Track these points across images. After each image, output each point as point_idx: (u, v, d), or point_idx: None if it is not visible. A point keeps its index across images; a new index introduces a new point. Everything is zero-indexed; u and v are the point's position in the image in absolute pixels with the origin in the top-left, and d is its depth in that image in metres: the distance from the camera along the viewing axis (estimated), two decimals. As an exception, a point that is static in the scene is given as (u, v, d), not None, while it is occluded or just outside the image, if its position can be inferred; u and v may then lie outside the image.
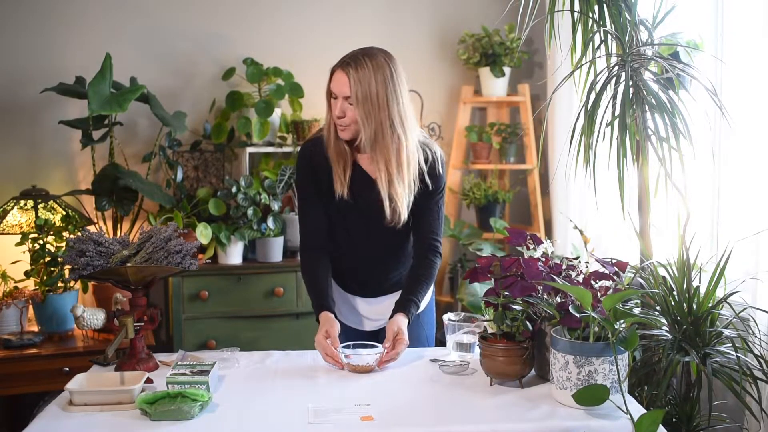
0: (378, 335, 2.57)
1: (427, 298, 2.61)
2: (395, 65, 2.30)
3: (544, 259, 2.12)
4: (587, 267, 2.11)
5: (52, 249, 3.18)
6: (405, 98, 2.31)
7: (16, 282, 3.26)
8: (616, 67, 2.52)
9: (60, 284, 3.20)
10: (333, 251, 2.51)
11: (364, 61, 2.25)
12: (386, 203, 2.33)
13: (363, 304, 2.57)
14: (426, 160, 2.38)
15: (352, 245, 2.49)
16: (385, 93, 2.25)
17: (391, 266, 2.53)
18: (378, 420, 1.84)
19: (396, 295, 2.46)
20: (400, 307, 2.36)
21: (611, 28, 2.57)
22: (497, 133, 4.07)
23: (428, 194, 2.40)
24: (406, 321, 2.33)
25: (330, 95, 2.32)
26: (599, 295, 1.96)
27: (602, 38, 2.60)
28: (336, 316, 2.36)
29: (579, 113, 2.55)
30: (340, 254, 2.52)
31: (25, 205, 3.36)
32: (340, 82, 2.27)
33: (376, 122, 2.26)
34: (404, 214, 2.34)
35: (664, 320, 2.39)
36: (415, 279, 2.42)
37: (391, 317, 2.34)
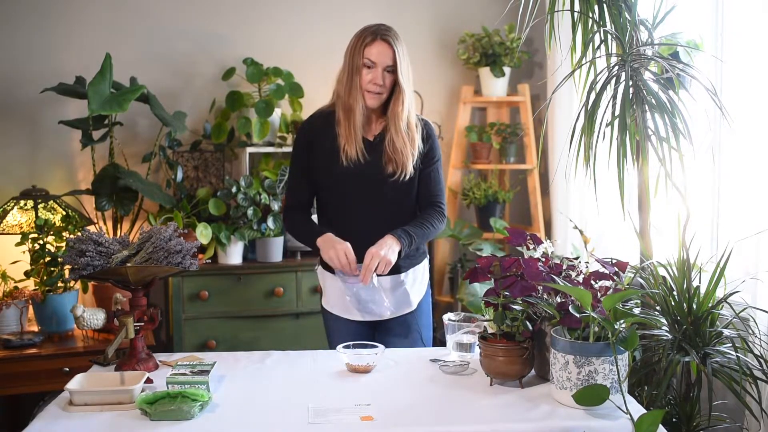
0: (375, 329, 2.57)
1: (420, 293, 2.61)
2: None
3: (544, 259, 2.12)
4: (587, 267, 2.11)
5: (52, 249, 3.18)
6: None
7: (16, 282, 3.26)
8: (616, 67, 2.52)
9: (60, 284, 3.20)
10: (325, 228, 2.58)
11: (395, 33, 2.48)
12: (398, 159, 2.49)
13: (353, 287, 2.56)
14: (423, 130, 2.57)
15: (346, 216, 2.54)
16: (408, 62, 2.49)
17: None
18: (378, 420, 1.84)
19: (388, 278, 2.51)
20: (391, 231, 2.43)
21: (611, 28, 2.57)
22: (497, 133, 4.07)
23: (427, 160, 2.56)
24: (394, 242, 2.39)
25: (363, 65, 2.44)
26: (599, 295, 1.96)
27: (602, 38, 2.60)
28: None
29: (579, 113, 2.55)
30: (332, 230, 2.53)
31: (25, 205, 3.36)
32: (383, 53, 2.43)
33: (407, 89, 2.47)
34: (409, 168, 2.50)
35: (664, 320, 2.39)
36: (415, 218, 2.54)
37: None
